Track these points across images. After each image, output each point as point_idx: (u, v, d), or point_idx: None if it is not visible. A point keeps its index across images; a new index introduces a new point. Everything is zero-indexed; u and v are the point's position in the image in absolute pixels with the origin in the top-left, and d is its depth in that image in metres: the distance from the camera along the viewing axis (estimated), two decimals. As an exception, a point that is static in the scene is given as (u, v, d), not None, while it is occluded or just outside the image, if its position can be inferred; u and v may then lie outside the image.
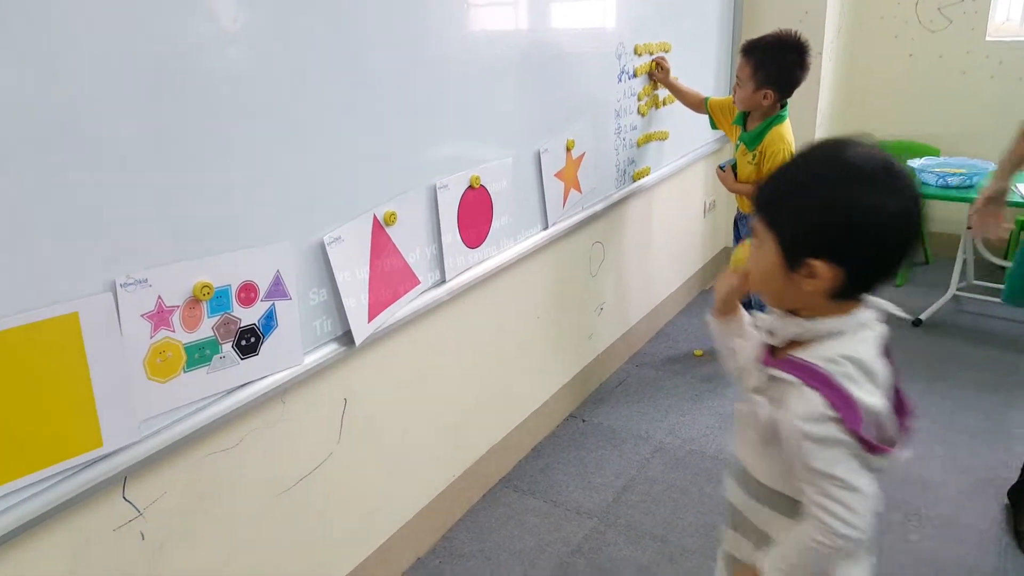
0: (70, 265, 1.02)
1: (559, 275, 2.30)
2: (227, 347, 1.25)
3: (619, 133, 2.41)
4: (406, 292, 1.62)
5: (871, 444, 0.85)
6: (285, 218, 1.32)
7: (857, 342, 0.88)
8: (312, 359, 1.42)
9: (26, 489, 1.02)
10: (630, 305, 2.79)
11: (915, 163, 2.92)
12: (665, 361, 2.81)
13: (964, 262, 3.07)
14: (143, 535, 1.22)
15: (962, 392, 2.50)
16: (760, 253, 0.91)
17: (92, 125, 1.02)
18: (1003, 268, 3.23)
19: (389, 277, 1.57)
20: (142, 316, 1.11)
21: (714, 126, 2.63)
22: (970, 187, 2.78)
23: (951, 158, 3.01)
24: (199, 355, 1.21)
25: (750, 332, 1.04)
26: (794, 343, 0.92)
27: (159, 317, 1.14)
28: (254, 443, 1.38)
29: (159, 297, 1.13)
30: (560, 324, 2.35)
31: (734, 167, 2.49)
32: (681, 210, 3.05)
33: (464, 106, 1.71)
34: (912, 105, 3.64)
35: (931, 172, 2.82)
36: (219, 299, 1.22)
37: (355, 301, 1.47)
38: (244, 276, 1.26)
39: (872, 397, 0.86)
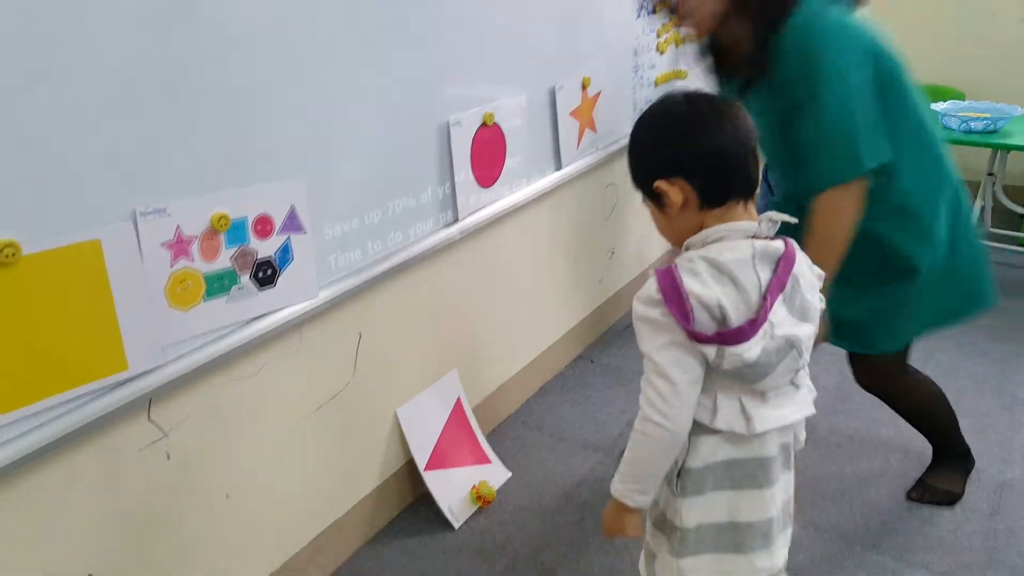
0: (92, 194, 1.05)
1: (572, 217, 2.30)
2: (245, 278, 1.29)
3: (637, 71, 2.38)
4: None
5: (693, 332, 0.90)
6: (299, 154, 1.34)
7: (724, 248, 0.94)
8: (327, 293, 1.45)
9: (57, 408, 1.07)
10: (642, 249, 2.80)
11: (938, 107, 2.85)
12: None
13: (983, 209, 3.03)
14: (168, 455, 1.28)
15: (971, 340, 2.50)
16: (649, 210, 1.03)
17: (111, 58, 1.03)
18: (1023, 217, 3.19)
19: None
20: (162, 245, 1.15)
21: None
22: (993, 132, 2.72)
23: (976, 102, 2.93)
24: (218, 285, 1.25)
25: None
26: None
27: (178, 246, 1.17)
28: (273, 371, 1.43)
29: (178, 227, 1.16)
30: (572, 266, 2.36)
31: None
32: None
33: (478, 41, 1.69)
34: (939, 47, 3.53)
35: (954, 116, 2.76)
36: (236, 231, 1.25)
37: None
38: (260, 209, 1.29)
39: (707, 289, 0.90)
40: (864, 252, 1.37)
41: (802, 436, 1.06)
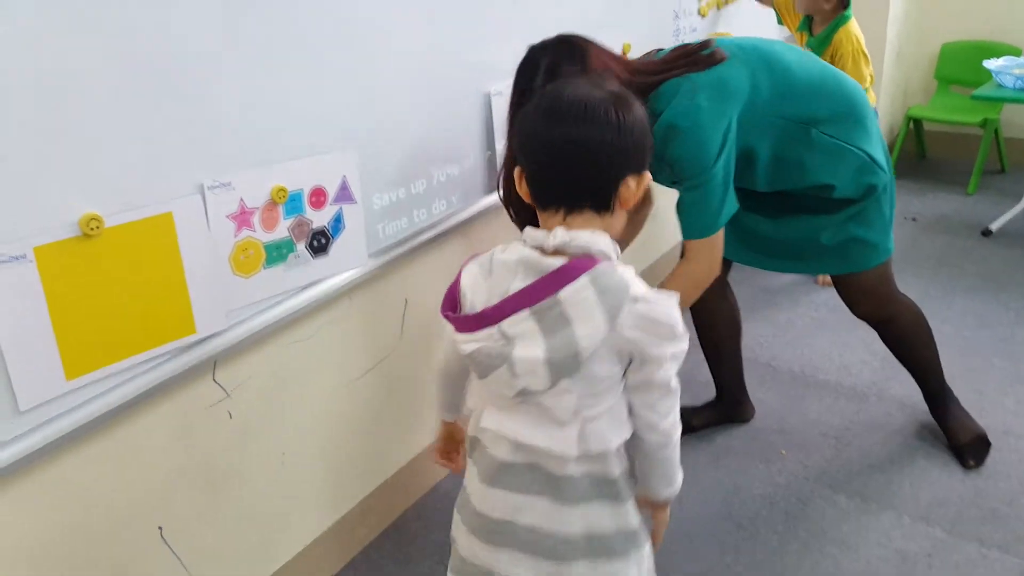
0: (165, 169, 1.11)
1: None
2: (301, 247, 1.34)
3: (677, 35, 2.36)
4: None
5: (444, 314, 0.97)
6: (350, 125, 1.38)
7: (508, 246, 0.96)
8: (376, 262, 1.50)
9: (134, 368, 1.15)
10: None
11: (991, 64, 2.76)
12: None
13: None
14: (231, 414, 1.36)
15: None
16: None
17: (179, 42, 1.08)
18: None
19: None
20: (227, 216, 1.20)
21: (780, 22, 2.57)
22: (1050, 89, 2.63)
23: (1033, 58, 2.83)
24: (277, 254, 1.30)
25: None
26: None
27: (241, 218, 1.22)
28: (326, 336, 1.49)
29: (241, 199, 1.21)
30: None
31: None
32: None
33: (522, 7, 1.70)
34: (991, 2, 3.41)
35: (1009, 74, 2.67)
36: (293, 202, 1.30)
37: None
38: (315, 181, 1.33)
39: (469, 277, 0.97)
40: (840, 168, 1.50)
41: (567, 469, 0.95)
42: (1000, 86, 2.71)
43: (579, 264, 0.87)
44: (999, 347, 2.25)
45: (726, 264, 1.79)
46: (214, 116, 1.15)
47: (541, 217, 0.95)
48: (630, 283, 0.88)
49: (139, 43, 1.04)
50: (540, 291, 0.88)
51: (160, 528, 1.28)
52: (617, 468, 0.96)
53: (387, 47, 1.41)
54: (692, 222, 1.43)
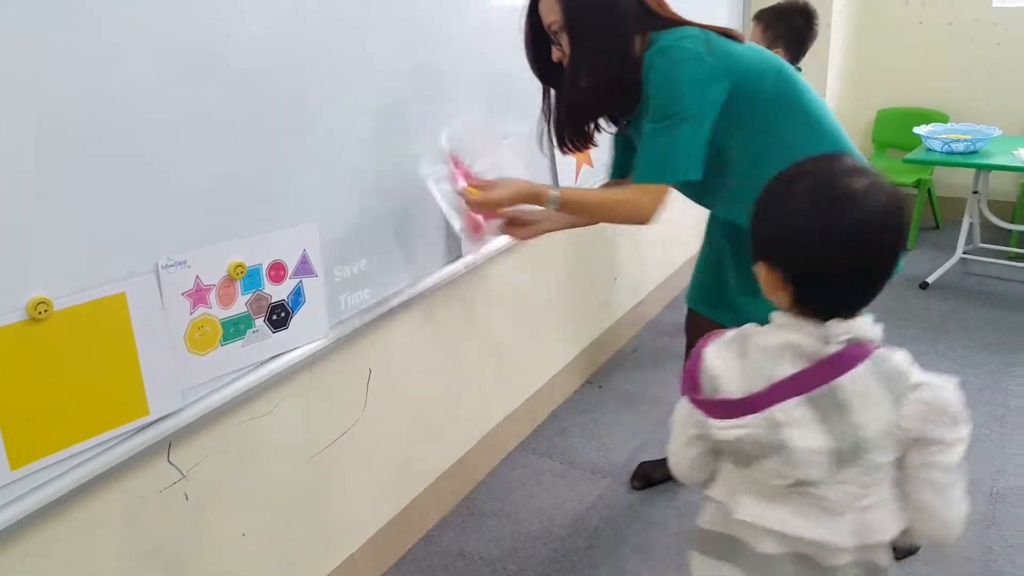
0: (118, 249, 1.10)
1: (574, 246, 2.36)
2: (259, 322, 1.34)
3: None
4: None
5: (694, 399, 0.92)
6: (311, 200, 1.39)
7: (770, 332, 0.88)
8: (337, 333, 1.50)
9: (83, 453, 1.12)
10: (646, 273, 2.85)
11: (921, 130, 2.93)
12: (678, 327, 2.86)
13: (971, 226, 3.10)
14: (187, 496, 1.32)
15: (964, 352, 2.55)
16: None
17: (135, 115, 1.09)
18: (1010, 231, 3.24)
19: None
20: (182, 294, 1.20)
21: None
22: (974, 152, 2.79)
23: (958, 124, 3.02)
24: (234, 329, 1.30)
25: None
26: None
27: (197, 295, 1.22)
28: (286, 410, 1.48)
29: (197, 277, 1.21)
30: (576, 293, 2.42)
31: None
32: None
33: (480, 87, 1.76)
34: (922, 72, 3.64)
35: (936, 139, 2.84)
36: (251, 277, 1.31)
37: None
38: (274, 255, 1.34)
39: (718, 360, 0.90)
40: None
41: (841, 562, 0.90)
42: (929, 150, 2.87)
43: (856, 351, 0.84)
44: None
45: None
46: (170, 193, 1.16)
47: (807, 314, 0.86)
48: (909, 369, 0.86)
49: (91, 114, 1.05)
50: (816, 378, 0.84)
51: (111, 619, 1.23)
52: (887, 558, 0.93)
53: (348, 124, 1.45)
54: (645, 162, 1.38)
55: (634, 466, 2.08)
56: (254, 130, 1.27)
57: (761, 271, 0.87)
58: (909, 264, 3.26)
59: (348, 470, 1.65)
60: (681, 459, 0.99)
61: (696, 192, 1.57)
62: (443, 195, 1.52)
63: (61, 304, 1.04)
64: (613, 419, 2.34)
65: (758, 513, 0.91)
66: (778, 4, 2.32)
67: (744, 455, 0.89)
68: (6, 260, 0.99)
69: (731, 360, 0.89)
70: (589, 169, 2.26)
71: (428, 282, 1.72)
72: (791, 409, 0.85)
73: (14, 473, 1.03)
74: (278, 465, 1.49)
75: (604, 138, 1.60)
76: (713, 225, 1.75)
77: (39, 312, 1.01)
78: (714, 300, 1.76)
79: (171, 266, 1.16)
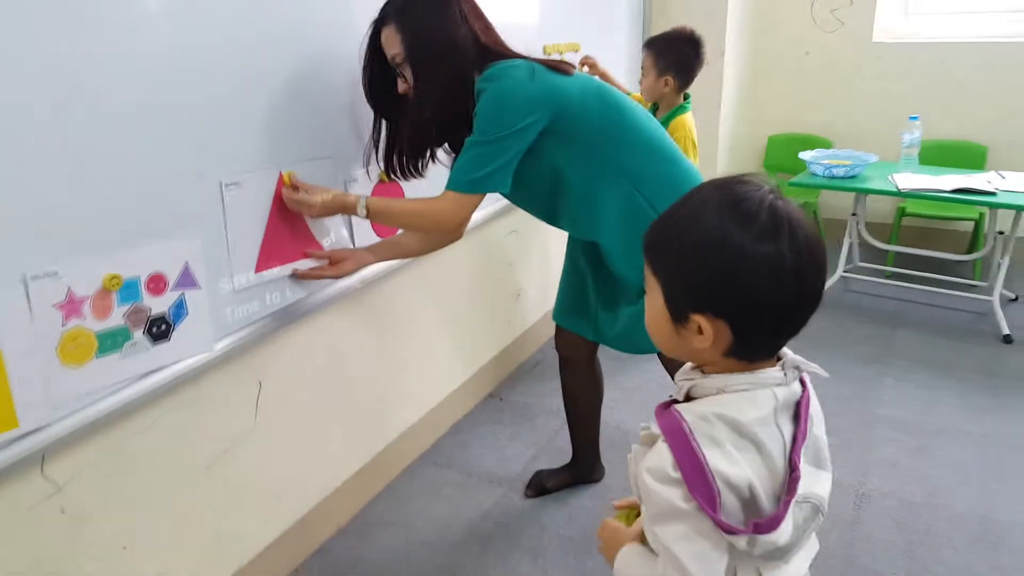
0: (-20, 260, 1.11)
1: (476, 263, 2.44)
2: (138, 334, 1.35)
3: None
4: (297, 260, 1.66)
5: (720, 523, 0.74)
6: (195, 213, 1.42)
7: (745, 401, 0.78)
8: (224, 344, 1.52)
9: (-55, 467, 1.11)
10: (549, 290, 2.95)
11: (805, 155, 3.16)
12: (580, 342, 2.99)
13: (850, 246, 3.35)
14: (63, 509, 1.31)
15: (840, 364, 2.75)
16: (649, 300, 0.83)
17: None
18: (886, 251, 3.52)
19: (284, 239, 1.62)
20: (53, 306, 1.20)
21: None
22: (853, 177, 3.04)
23: (840, 150, 3.27)
24: (111, 342, 1.31)
25: None
26: (689, 396, 0.83)
27: (69, 307, 1.23)
28: (170, 423, 1.48)
29: (69, 288, 1.22)
30: (477, 309, 2.49)
31: None
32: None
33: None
34: (808, 101, 3.93)
35: (819, 164, 3.06)
36: (128, 289, 1.32)
37: (245, 244, 1.53)
38: (153, 268, 1.36)
39: (735, 468, 0.74)
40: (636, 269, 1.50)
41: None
42: (813, 174, 3.10)
43: (803, 379, 0.83)
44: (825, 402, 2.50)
45: (593, 343, 1.91)
46: (39, 201, 1.16)
47: (740, 362, 0.80)
48: None
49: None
50: (806, 424, 0.79)
51: (-25, 638, 1.21)
52: None
53: (238, 142, 1.48)
54: (460, 171, 1.48)
55: (529, 476, 2.16)
56: (131, 140, 1.29)
57: (699, 324, 0.77)
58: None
59: (237, 484, 1.66)
60: None
61: (544, 214, 1.70)
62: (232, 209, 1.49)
63: (-80, 315, 1.04)
64: (512, 431, 2.42)
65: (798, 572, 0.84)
66: (667, 33, 2.47)
67: (793, 544, 0.78)
68: None
69: (740, 459, 0.76)
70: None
71: (321, 296, 1.76)
72: (805, 470, 0.78)
73: None
74: (162, 478, 1.49)
75: (432, 169, 1.69)
76: (572, 243, 1.86)
77: None
78: (576, 314, 1.86)
79: (40, 277, 1.17)
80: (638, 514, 0.94)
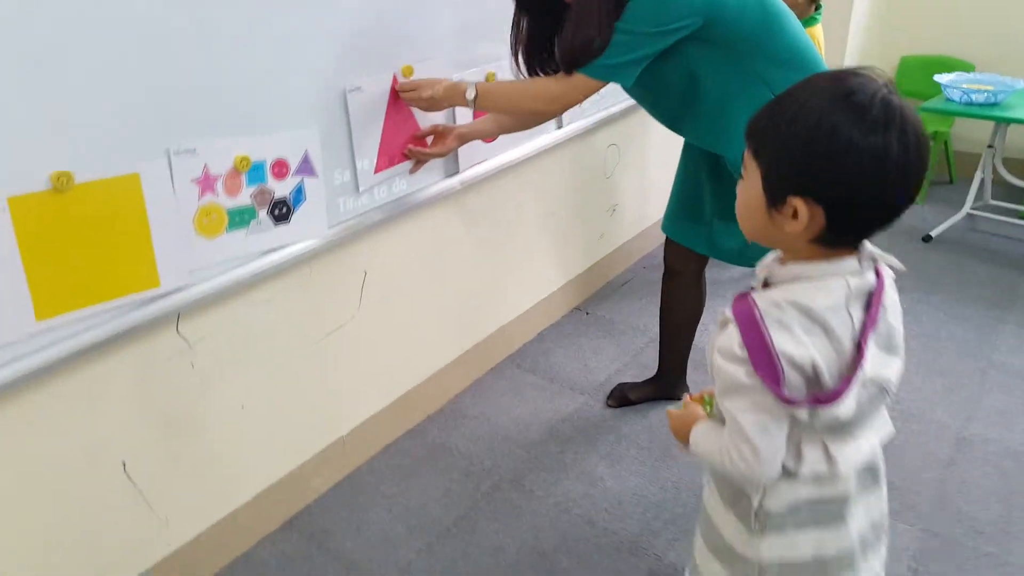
0: (134, 133, 1.22)
1: (572, 174, 2.44)
2: (262, 214, 1.46)
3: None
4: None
5: (782, 396, 0.80)
6: (315, 105, 1.49)
7: (817, 289, 0.82)
8: (335, 232, 1.62)
9: (100, 315, 1.26)
10: (645, 208, 2.93)
11: (941, 78, 2.90)
12: (673, 264, 2.96)
13: (982, 182, 3.09)
14: (193, 365, 1.48)
15: (957, 306, 2.61)
16: (745, 185, 0.85)
17: (152, 10, 1.19)
18: None
19: (400, 139, 1.70)
20: (191, 181, 1.32)
21: None
22: (994, 104, 2.77)
23: (982, 74, 2.97)
24: (239, 219, 1.42)
25: None
26: (767, 283, 0.88)
27: (205, 183, 1.34)
28: (285, 300, 1.61)
29: (205, 165, 1.33)
30: (571, 221, 2.51)
31: None
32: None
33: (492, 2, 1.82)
34: (948, 18, 3.55)
35: (957, 88, 2.80)
36: (256, 171, 1.42)
37: (366, 148, 1.63)
38: (277, 153, 1.45)
39: (800, 348, 0.80)
40: None
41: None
42: (948, 100, 2.84)
43: (879, 269, 0.86)
44: (926, 343, 2.40)
45: (702, 258, 1.90)
46: (182, 85, 1.27)
47: (823, 249, 0.83)
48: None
49: (112, 10, 1.16)
50: (876, 312, 0.83)
51: (124, 463, 1.41)
52: None
53: (359, 37, 1.53)
54: (576, 44, 1.44)
55: (611, 387, 2.22)
56: (266, 35, 1.36)
57: (795, 208, 0.79)
58: (915, 217, 3.28)
59: (341, 362, 1.80)
60: (770, 468, 0.85)
61: (667, 119, 1.65)
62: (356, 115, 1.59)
63: (82, 179, 1.17)
64: (597, 344, 2.47)
65: (854, 456, 0.89)
66: None
67: (856, 419, 0.85)
68: (32, 136, 1.11)
69: (806, 340, 0.81)
70: (596, 96, 2.31)
71: (425, 194, 1.82)
72: (872, 353, 0.83)
73: (39, 324, 1.18)
74: (276, 349, 1.64)
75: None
76: (689, 152, 1.82)
77: (61, 184, 1.14)
78: (688, 225, 1.84)
79: (181, 153, 1.28)
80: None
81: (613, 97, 2.41)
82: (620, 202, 2.75)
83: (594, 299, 2.73)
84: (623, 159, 2.67)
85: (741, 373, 0.82)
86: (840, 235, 0.81)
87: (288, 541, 1.72)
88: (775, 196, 0.81)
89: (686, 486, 1.85)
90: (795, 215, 0.79)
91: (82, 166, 1.17)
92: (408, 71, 1.66)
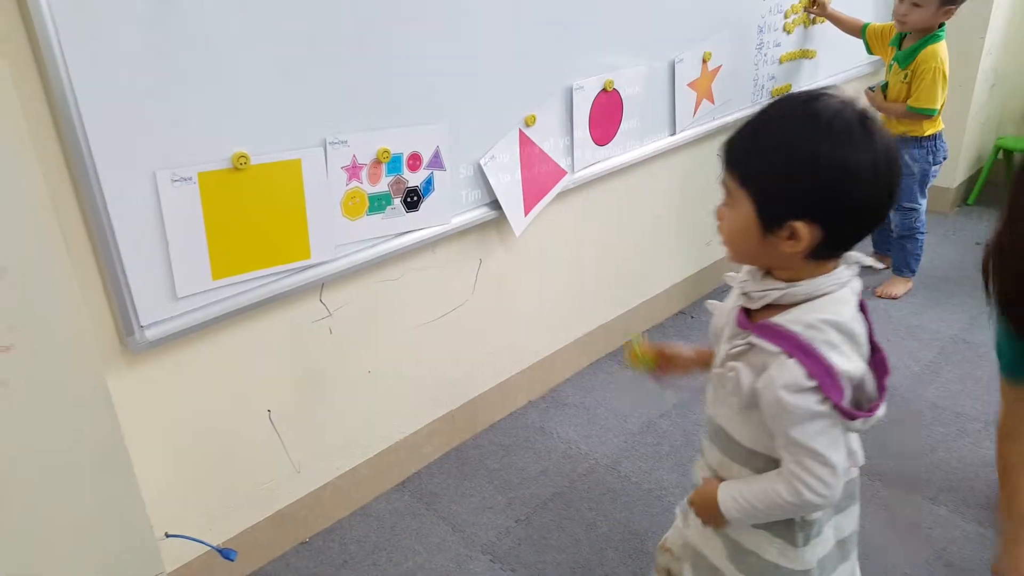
0: (298, 124, 1.43)
1: (684, 179, 2.50)
2: (397, 201, 1.65)
3: (761, 49, 2.51)
4: (554, 185, 1.96)
5: (850, 413, 0.85)
6: (446, 104, 1.66)
7: (837, 303, 0.87)
8: (457, 221, 1.79)
9: (260, 279, 1.48)
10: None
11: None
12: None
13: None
14: (331, 330, 1.68)
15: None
16: (734, 213, 0.89)
17: (313, 27, 1.40)
18: None
19: (538, 178, 1.91)
20: (342, 168, 1.52)
21: (870, 52, 2.66)
22: None
23: None
24: (377, 204, 1.61)
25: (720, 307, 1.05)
26: (772, 306, 0.90)
27: (352, 170, 1.54)
28: (411, 279, 1.79)
29: (354, 155, 1.53)
30: (680, 226, 2.57)
31: (884, 88, 2.54)
32: (822, 131, 3.07)
33: (606, 14, 1.94)
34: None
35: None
36: (394, 163, 1.61)
37: (512, 201, 1.85)
38: (413, 147, 1.63)
39: (852, 363, 0.86)
40: None
41: None
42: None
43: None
44: None
45: None
46: (338, 86, 1.47)
47: (818, 263, 0.88)
48: None
49: (284, 24, 1.37)
50: (866, 310, 0.93)
51: (269, 411, 1.62)
52: None
53: (487, 39, 1.69)
54: None
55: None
56: (409, 39, 1.55)
57: (792, 230, 0.83)
58: (974, 217, 3.11)
59: (455, 342, 1.96)
60: (844, 468, 0.91)
61: None
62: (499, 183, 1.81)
63: (256, 160, 1.38)
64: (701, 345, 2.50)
65: (856, 443, 1.01)
66: None
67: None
68: (220, 123, 1.33)
69: (853, 355, 0.87)
70: (709, 105, 2.38)
71: (540, 191, 1.96)
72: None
73: (214, 282, 1.41)
74: (401, 323, 1.82)
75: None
76: None
77: (240, 163, 1.36)
78: None
79: (335, 143, 1.48)
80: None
81: (728, 108, 2.46)
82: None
83: (700, 304, 2.77)
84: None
85: (813, 402, 0.84)
86: (836, 248, 0.87)
87: (401, 500, 1.89)
88: (771, 222, 0.85)
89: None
90: (791, 235, 0.84)
91: (257, 149, 1.38)
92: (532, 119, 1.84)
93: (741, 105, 2.52)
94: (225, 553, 1.51)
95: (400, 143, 1.60)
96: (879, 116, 0.85)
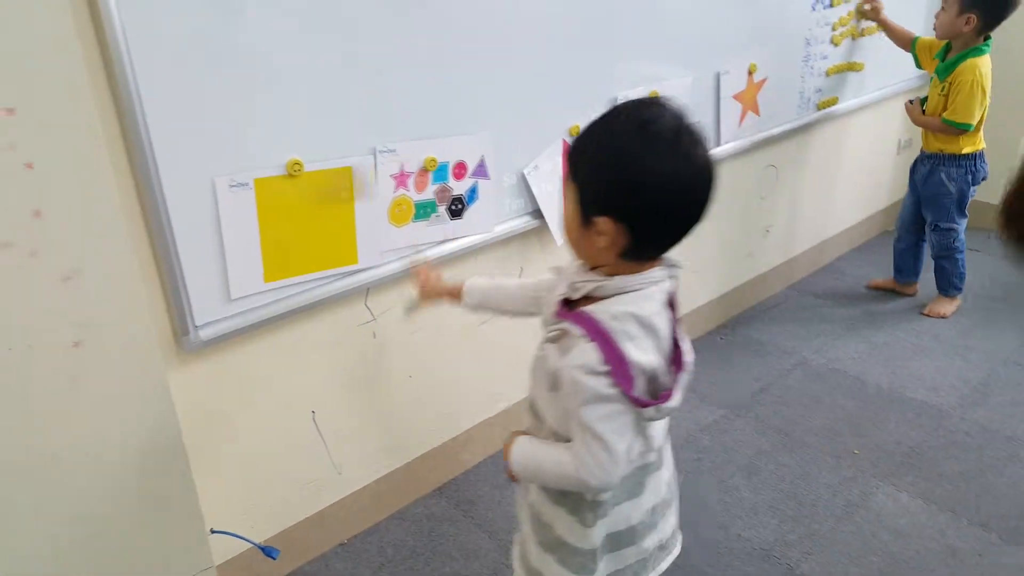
0: (349, 133, 1.47)
1: (726, 192, 2.47)
2: (442, 209, 1.67)
3: (807, 61, 2.49)
4: None
5: (638, 400, 0.90)
6: (491, 115, 1.69)
7: (643, 299, 0.92)
8: (500, 229, 1.81)
9: (311, 282, 1.52)
10: (799, 232, 2.90)
11: None
12: (828, 292, 2.91)
13: None
14: (375, 334, 1.71)
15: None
16: (566, 204, 0.95)
17: (363, 41, 1.44)
18: None
19: None
20: (390, 176, 1.55)
21: (919, 66, 2.61)
22: None
23: None
24: (423, 211, 1.64)
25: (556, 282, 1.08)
26: (589, 297, 0.96)
27: (400, 179, 1.57)
28: (453, 286, 1.81)
29: (401, 164, 1.56)
30: (720, 238, 2.55)
31: (923, 101, 2.49)
32: (870, 145, 3.03)
33: (652, 25, 1.94)
34: None
35: None
36: (440, 172, 1.63)
37: (554, 211, 1.86)
38: (459, 156, 1.66)
39: (647, 356, 0.91)
40: None
41: None
42: None
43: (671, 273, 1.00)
44: None
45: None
46: (388, 97, 1.50)
47: (632, 264, 0.94)
48: None
49: (338, 39, 1.41)
50: (676, 308, 0.98)
51: (313, 412, 1.65)
52: None
53: (531, 52, 1.71)
54: None
55: (753, 404, 2.23)
56: (458, 52, 1.58)
57: (600, 227, 0.88)
58: None
59: (494, 348, 1.98)
60: (622, 470, 0.96)
61: None
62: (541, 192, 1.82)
63: (309, 168, 1.42)
64: (741, 361, 2.48)
65: (658, 426, 1.03)
66: None
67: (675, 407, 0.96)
68: (276, 132, 1.38)
69: (649, 348, 0.92)
70: (754, 117, 2.36)
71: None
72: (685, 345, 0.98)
73: (266, 285, 1.45)
74: (445, 329, 1.84)
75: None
76: None
77: (294, 170, 1.40)
78: None
79: (384, 152, 1.52)
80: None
81: (774, 120, 2.44)
82: (775, 223, 2.75)
83: (741, 319, 2.74)
84: (780, 181, 2.68)
85: (603, 384, 0.90)
86: (644, 250, 0.92)
87: (438, 505, 1.91)
88: (586, 215, 0.90)
89: (825, 504, 1.83)
90: (599, 231, 0.89)
91: (310, 156, 1.42)
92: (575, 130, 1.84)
93: (787, 118, 2.50)
94: (267, 551, 1.54)
95: (446, 152, 1.63)
96: (705, 132, 0.88)
